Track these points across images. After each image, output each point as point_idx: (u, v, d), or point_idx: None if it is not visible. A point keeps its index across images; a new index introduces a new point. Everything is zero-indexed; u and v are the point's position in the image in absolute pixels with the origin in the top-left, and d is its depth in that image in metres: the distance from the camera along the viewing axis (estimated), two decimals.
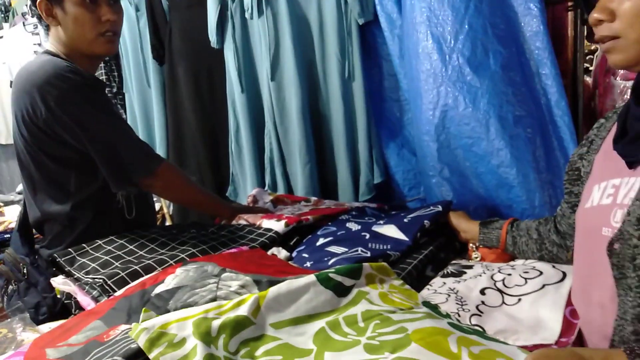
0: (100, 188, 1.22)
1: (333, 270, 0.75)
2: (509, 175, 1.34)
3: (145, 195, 1.38)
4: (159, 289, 0.78)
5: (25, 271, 1.24)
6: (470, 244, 1.12)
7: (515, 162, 1.32)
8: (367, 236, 1.11)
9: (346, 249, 1.04)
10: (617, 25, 0.62)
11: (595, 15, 0.64)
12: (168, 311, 0.71)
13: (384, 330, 0.62)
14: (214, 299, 0.73)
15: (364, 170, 1.79)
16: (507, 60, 1.37)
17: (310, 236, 1.23)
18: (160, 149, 2.28)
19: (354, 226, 1.20)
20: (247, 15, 1.82)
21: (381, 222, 1.19)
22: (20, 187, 2.87)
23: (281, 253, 1.13)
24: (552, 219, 0.96)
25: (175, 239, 1.12)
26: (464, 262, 1.07)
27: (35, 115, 1.12)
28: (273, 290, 0.69)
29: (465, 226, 1.14)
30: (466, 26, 1.37)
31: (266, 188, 1.90)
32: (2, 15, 3.14)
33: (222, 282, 0.79)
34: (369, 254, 1.00)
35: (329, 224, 1.26)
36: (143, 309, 0.67)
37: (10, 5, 3.11)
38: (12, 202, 2.57)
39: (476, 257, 1.09)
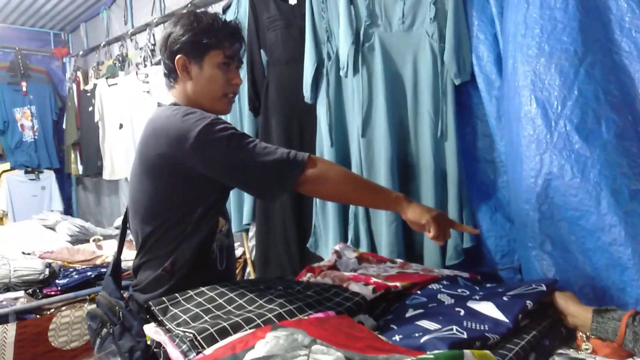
0: (205, 236, 1.25)
1: (432, 356, 0.70)
2: (622, 254, 1.20)
3: (232, 248, 1.39)
4: (250, 356, 0.77)
5: (120, 315, 1.27)
6: (580, 333, 1.01)
7: (630, 241, 1.19)
8: (462, 312, 1.04)
9: (439, 326, 0.97)
10: None
11: None
12: None
13: None
14: None
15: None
16: (622, 129, 1.27)
17: (397, 305, 1.18)
18: (247, 197, 2.35)
19: (446, 299, 1.13)
20: (342, 73, 1.86)
21: (477, 297, 1.11)
22: (117, 222, 3.08)
23: (368, 322, 1.08)
24: None
25: (263, 295, 1.12)
26: (572, 353, 0.96)
27: (177, 155, 1.16)
28: None
29: (575, 310, 1.03)
30: (575, 92, 1.29)
31: (348, 243, 1.87)
32: (120, 64, 3.48)
33: (312, 355, 0.76)
34: (465, 335, 0.93)
35: (418, 292, 1.20)
36: None
37: (127, 56, 3.44)
38: (110, 237, 2.75)
39: (587, 349, 0.97)
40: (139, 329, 1.19)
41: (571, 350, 0.98)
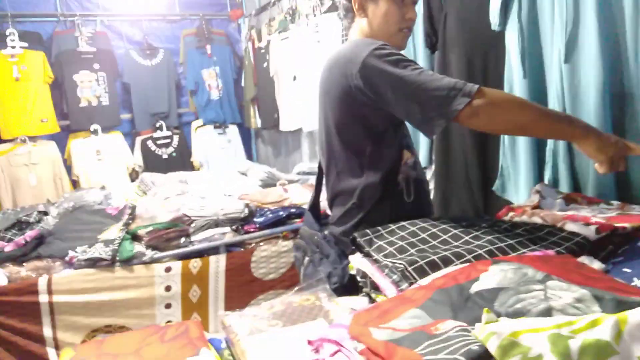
0: (389, 169, 1.28)
1: None
2: None
3: (421, 180, 1.38)
4: (477, 287, 0.73)
5: (318, 244, 1.38)
6: None
7: None
8: None
9: None
10: None
11: None
12: (497, 314, 0.65)
13: None
14: (548, 310, 0.64)
15: None
16: None
17: (627, 247, 1.02)
18: (422, 138, 2.28)
19: None
20: None
21: None
22: (298, 169, 3.29)
23: (594, 263, 0.96)
24: None
25: (468, 232, 1.07)
26: None
27: (349, 84, 1.21)
28: (635, 315, 0.56)
29: None
30: None
31: (548, 185, 1.69)
32: (290, 17, 3.61)
33: (550, 291, 0.69)
34: None
35: None
36: (484, 309, 0.63)
37: (296, 8, 3.55)
38: (292, 182, 2.95)
39: None
40: (335, 257, 1.28)
41: None
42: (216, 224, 2.31)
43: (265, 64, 4.04)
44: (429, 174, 2.41)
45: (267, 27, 4.09)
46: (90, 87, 4.14)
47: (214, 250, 2.28)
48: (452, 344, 0.58)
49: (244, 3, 4.84)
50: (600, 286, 0.73)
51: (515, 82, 1.77)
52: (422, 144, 2.31)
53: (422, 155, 2.32)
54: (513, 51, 1.74)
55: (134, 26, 4.46)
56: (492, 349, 0.53)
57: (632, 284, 0.85)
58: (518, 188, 1.85)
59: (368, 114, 1.25)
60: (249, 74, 4.45)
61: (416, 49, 2.26)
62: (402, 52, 2.31)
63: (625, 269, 0.93)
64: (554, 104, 1.66)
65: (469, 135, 2.05)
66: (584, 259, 0.98)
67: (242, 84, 4.67)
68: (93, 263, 2.04)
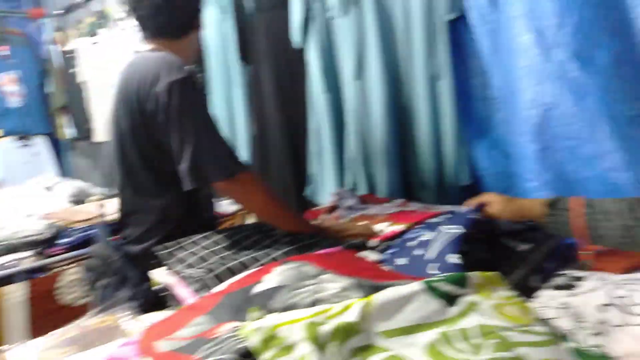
0: (185, 191, 1.23)
1: (439, 278, 0.72)
2: (620, 180, 1.22)
3: (211, 196, 1.42)
4: (259, 288, 0.78)
5: (115, 266, 1.29)
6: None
7: (628, 166, 1.21)
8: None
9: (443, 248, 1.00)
10: None
11: None
12: (271, 311, 0.71)
13: (503, 355, 0.57)
14: (315, 302, 0.72)
15: (450, 172, 1.72)
16: (618, 54, 1.25)
17: (399, 239, 1.20)
18: (242, 149, 2.34)
19: (447, 228, 1.15)
20: (331, 14, 1.81)
21: None
22: None
23: (371, 256, 1.11)
24: None
25: (267, 237, 1.13)
26: (574, 272, 0.98)
27: (148, 103, 1.18)
28: (379, 297, 0.67)
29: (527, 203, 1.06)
30: (571, 18, 1.27)
31: (347, 188, 1.88)
32: (101, 21, 3.36)
33: (321, 284, 0.78)
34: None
35: (420, 226, 1.22)
36: (251, 309, 0.68)
37: (107, 12, 3.32)
38: (108, 197, 2.75)
39: (588, 265, 1.00)
40: (137, 279, 1.22)
41: (573, 269, 1.00)
42: (13, 248, 2.03)
43: (74, 69, 3.70)
44: None
45: (74, 29, 3.75)
46: None
47: (10, 279, 2.00)
48: (225, 345, 0.62)
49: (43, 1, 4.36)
50: (366, 275, 0.85)
51: (317, 96, 1.93)
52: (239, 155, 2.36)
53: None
54: (314, 68, 1.90)
55: None
56: (253, 343, 0.58)
57: (394, 264, 1.01)
58: (326, 193, 2.01)
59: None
60: (56, 80, 4.02)
61: (230, 61, 2.31)
62: (216, 64, 2.35)
63: (395, 259, 1.09)
64: (351, 116, 1.86)
65: (284, 145, 2.16)
66: (364, 253, 1.12)
67: (48, 91, 4.19)
68: None
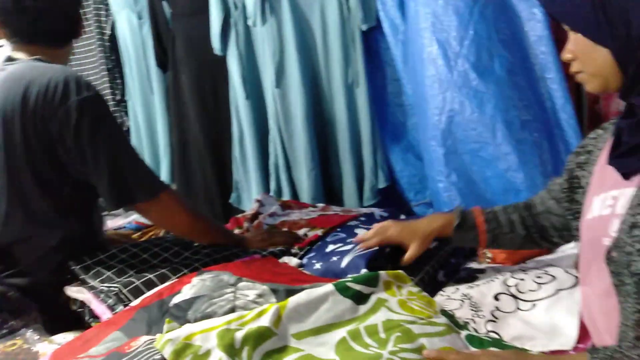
0: (82, 213, 1.18)
1: (350, 278, 0.76)
2: (516, 179, 1.35)
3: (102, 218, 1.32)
4: (176, 299, 0.79)
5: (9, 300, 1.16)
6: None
7: (522, 167, 1.33)
8: None
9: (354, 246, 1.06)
10: (577, 63, 0.72)
11: (563, 56, 0.74)
12: (188, 321, 0.71)
13: (406, 346, 0.62)
14: (232, 309, 0.74)
15: (369, 176, 1.80)
16: (513, 64, 1.39)
17: (320, 243, 1.23)
18: (164, 157, 2.29)
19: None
20: (250, 22, 1.82)
21: None
22: None
23: (292, 261, 1.13)
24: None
25: (188, 248, 1.13)
26: (475, 265, 1.07)
27: (52, 123, 1.06)
28: (293, 300, 0.70)
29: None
30: (471, 31, 1.38)
31: (271, 194, 1.90)
32: None
33: (239, 292, 0.79)
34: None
35: (338, 229, 1.27)
36: (166, 320, 0.68)
37: None
38: None
39: (488, 259, 1.09)
40: (35, 314, 1.10)
41: (474, 264, 1.09)
42: None
43: None
44: None
45: None
46: None
47: None
48: (141, 357, 0.62)
49: None
50: (284, 280, 0.88)
51: (240, 103, 1.93)
52: (163, 163, 2.31)
53: (164, 174, 2.31)
54: (235, 75, 1.90)
55: None
56: (167, 354, 0.59)
57: (314, 268, 1.05)
58: (251, 199, 2.02)
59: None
60: None
61: (149, 68, 2.25)
62: (134, 70, 2.27)
63: (314, 261, 1.12)
64: (273, 122, 1.88)
65: (207, 152, 2.14)
66: (284, 259, 1.14)
67: None
68: None
